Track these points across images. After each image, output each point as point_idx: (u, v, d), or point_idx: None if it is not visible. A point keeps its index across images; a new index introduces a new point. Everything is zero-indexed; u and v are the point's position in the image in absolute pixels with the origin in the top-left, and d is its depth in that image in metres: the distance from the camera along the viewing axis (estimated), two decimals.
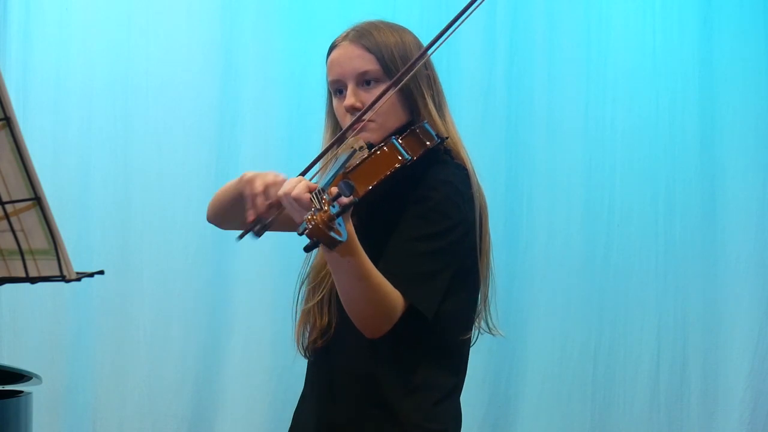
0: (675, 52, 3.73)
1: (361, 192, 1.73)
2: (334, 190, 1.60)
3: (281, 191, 1.72)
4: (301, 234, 1.55)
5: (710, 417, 3.69)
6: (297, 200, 1.67)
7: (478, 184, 1.92)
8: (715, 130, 3.73)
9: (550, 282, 3.63)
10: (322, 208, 1.56)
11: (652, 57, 3.73)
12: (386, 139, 1.81)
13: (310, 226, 1.53)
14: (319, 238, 1.53)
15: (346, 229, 1.63)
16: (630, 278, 3.69)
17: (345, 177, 1.73)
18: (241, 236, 1.79)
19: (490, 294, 1.97)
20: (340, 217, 1.57)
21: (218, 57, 3.51)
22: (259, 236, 1.77)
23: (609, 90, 3.70)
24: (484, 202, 1.93)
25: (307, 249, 1.57)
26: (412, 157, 1.80)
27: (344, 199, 1.59)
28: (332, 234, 1.53)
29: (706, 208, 3.71)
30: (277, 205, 1.75)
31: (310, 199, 1.62)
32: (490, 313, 1.98)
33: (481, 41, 3.63)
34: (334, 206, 1.57)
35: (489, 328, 1.99)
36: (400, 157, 1.77)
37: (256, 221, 1.77)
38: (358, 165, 1.76)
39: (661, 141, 3.71)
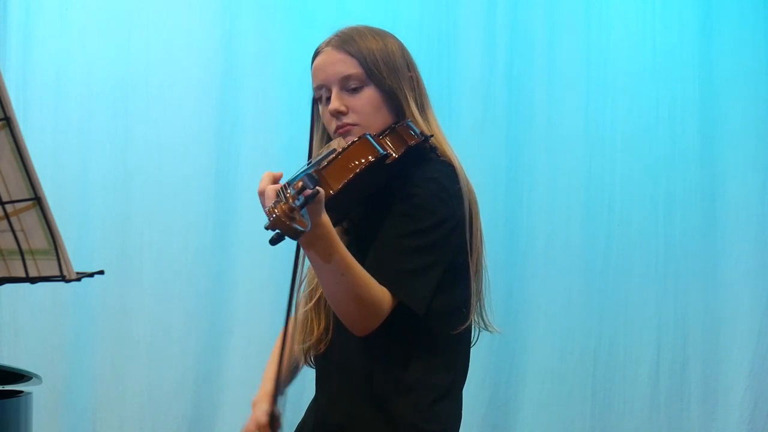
0: (675, 53, 3.73)
1: (335, 188, 1.74)
2: (300, 184, 1.60)
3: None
4: (266, 228, 1.55)
5: (710, 417, 3.69)
6: (261, 194, 1.69)
7: (467, 180, 1.92)
8: (715, 131, 3.73)
9: (550, 282, 3.63)
10: (284, 200, 1.56)
11: (652, 58, 3.73)
12: (360, 135, 1.82)
13: (272, 218, 1.54)
14: (280, 228, 1.54)
15: (320, 222, 1.65)
16: (630, 278, 3.69)
17: (317, 175, 1.73)
18: None
19: (484, 290, 1.97)
20: (305, 209, 1.58)
21: (218, 57, 3.51)
22: None
23: (609, 90, 3.70)
24: (474, 198, 1.93)
25: (272, 242, 1.58)
26: (391, 154, 1.80)
27: (308, 191, 1.59)
28: (294, 225, 1.53)
29: (706, 208, 3.72)
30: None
31: (276, 193, 1.64)
32: (485, 310, 1.98)
33: (481, 41, 3.63)
34: (298, 199, 1.57)
35: (485, 325, 1.99)
36: (374, 152, 1.78)
37: None
38: (330, 162, 1.76)
39: (661, 141, 3.71)
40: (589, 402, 3.65)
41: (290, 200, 1.55)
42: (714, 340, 3.70)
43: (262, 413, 1.94)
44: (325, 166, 1.76)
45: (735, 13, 3.74)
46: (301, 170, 1.77)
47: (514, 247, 3.62)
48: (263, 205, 1.71)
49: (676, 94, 3.73)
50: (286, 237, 1.57)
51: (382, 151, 1.79)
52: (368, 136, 1.81)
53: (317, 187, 1.61)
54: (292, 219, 1.53)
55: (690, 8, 3.73)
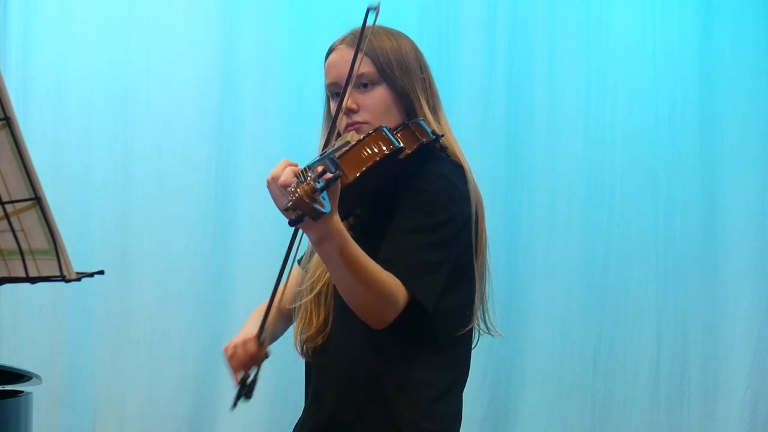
0: (675, 53, 3.73)
1: (351, 177, 1.74)
2: (320, 168, 1.61)
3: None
4: (286, 208, 1.55)
5: (710, 417, 3.69)
6: (283, 183, 1.69)
7: (475, 182, 1.92)
8: (715, 131, 3.73)
9: (550, 282, 3.63)
10: (305, 181, 1.57)
11: (652, 58, 3.73)
12: (377, 128, 1.82)
13: (294, 198, 1.54)
14: (302, 208, 1.54)
15: (332, 220, 1.65)
16: (630, 278, 3.69)
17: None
18: (233, 406, 1.84)
19: (487, 293, 1.97)
20: (325, 192, 1.58)
21: (218, 57, 3.51)
22: (250, 398, 1.83)
23: (609, 90, 3.70)
24: (481, 201, 1.93)
25: (292, 223, 1.58)
26: (405, 147, 1.80)
27: (329, 175, 1.60)
28: (315, 205, 1.54)
29: (706, 208, 3.72)
30: (252, 361, 1.84)
31: (296, 175, 1.64)
32: (488, 313, 1.98)
33: (481, 41, 3.63)
34: (319, 182, 1.57)
35: (488, 328, 1.99)
36: (390, 144, 1.78)
37: (241, 385, 1.83)
38: (347, 152, 1.77)
39: (661, 141, 3.71)
40: (589, 402, 3.65)
41: (312, 182, 1.55)
42: (714, 340, 3.70)
43: (251, 336, 1.87)
44: (342, 155, 1.76)
45: (735, 13, 3.74)
46: (318, 158, 1.77)
47: (514, 247, 3.62)
48: (272, 193, 1.71)
49: (676, 94, 3.73)
50: (305, 218, 1.57)
51: (397, 143, 1.79)
52: (384, 128, 1.81)
53: (338, 171, 1.62)
54: (314, 199, 1.54)
55: (690, 8, 3.73)
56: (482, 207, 1.94)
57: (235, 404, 1.83)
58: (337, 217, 1.69)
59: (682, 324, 3.70)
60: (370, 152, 1.77)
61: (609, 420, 3.66)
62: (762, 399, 3.69)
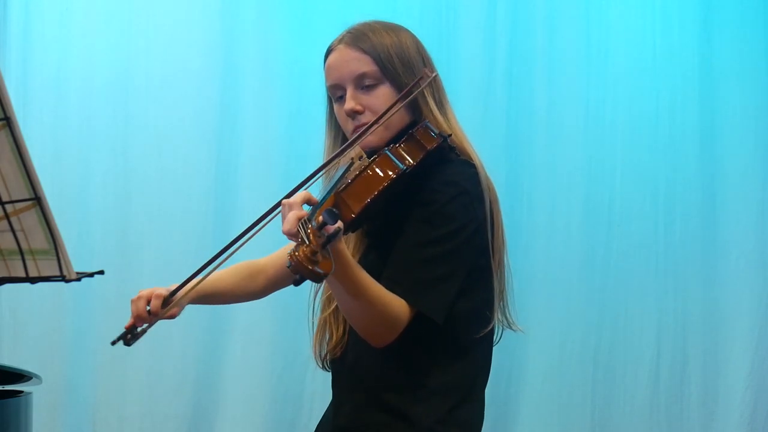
0: (675, 52, 3.73)
1: (356, 210, 1.70)
2: (320, 218, 1.56)
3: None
4: (288, 268, 1.52)
5: (710, 417, 3.69)
6: (285, 232, 1.64)
7: (488, 178, 1.88)
8: (715, 130, 3.73)
9: (550, 282, 3.63)
10: (306, 240, 1.53)
11: (652, 57, 3.73)
12: (380, 151, 1.78)
13: (294, 262, 1.50)
14: (302, 273, 1.50)
15: (337, 250, 1.62)
16: (630, 278, 3.69)
17: (336, 197, 1.71)
18: (114, 342, 1.85)
19: (507, 289, 1.96)
20: (327, 246, 1.54)
21: (218, 57, 3.51)
22: (130, 345, 1.84)
23: (609, 89, 3.71)
24: (495, 197, 1.89)
25: (296, 283, 1.55)
26: (410, 164, 1.77)
27: (330, 228, 1.56)
28: (316, 269, 1.50)
29: (706, 208, 3.72)
30: (148, 318, 1.86)
31: (297, 228, 1.59)
32: (508, 308, 1.97)
33: (481, 41, 3.63)
34: (320, 235, 1.54)
35: (509, 323, 1.98)
36: (395, 169, 1.74)
37: (128, 331, 1.85)
38: (350, 183, 1.73)
39: (661, 141, 3.72)
40: (589, 402, 3.65)
41: (312, 241, 1.52)
42: (714, 340, 3.71)
43: (161, 293, 1.90)
44: (345, 187, 1.72)
45: (735, 13, 3.75)
46: (322, 193, 1.74)
47: (514, 247, 3.59)
48: (282, 216, 1.67)
49: (676, 93, 3.73)
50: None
51: (402, 166, 1.75)
52: (387, 152, 1.77)
53: (339, 223, 1.58)
54: (315, 263, 1.50)
55: (690, 8, 3.73)
56: (497, 203, 1.90)
57: (114, 342, 1.85)
58: (341, 246, 1.66)
59: (682, 324, 3.70)
60: (373, 183, 1.72)
61: (609, 420, 3.66)
62: (762, 399, 3.69)
